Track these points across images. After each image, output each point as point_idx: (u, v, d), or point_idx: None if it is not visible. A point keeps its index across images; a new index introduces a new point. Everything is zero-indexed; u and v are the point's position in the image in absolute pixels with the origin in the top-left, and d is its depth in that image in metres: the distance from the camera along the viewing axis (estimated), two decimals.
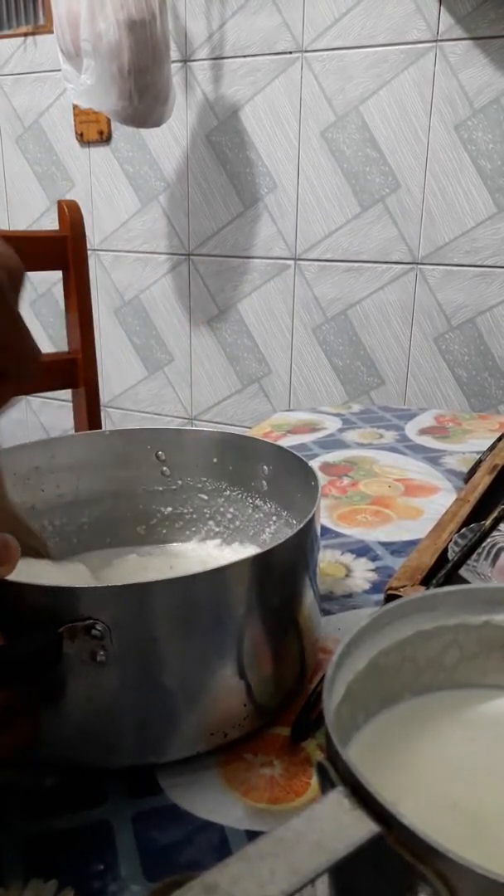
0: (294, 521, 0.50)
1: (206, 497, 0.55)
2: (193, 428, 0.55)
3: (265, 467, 0.52)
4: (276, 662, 0.39)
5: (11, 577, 0.33)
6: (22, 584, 0.33)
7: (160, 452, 0.54)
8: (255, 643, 0.37)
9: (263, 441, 0.53)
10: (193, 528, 0.56)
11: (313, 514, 0.40)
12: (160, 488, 0.55)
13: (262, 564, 0.36)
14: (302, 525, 0.38)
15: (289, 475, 0.49)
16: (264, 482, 0.52)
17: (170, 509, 0.56)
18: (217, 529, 0.56)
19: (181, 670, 0.35)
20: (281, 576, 0.38)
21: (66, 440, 0.54)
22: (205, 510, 0.56)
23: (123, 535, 0.56)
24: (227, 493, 0.54)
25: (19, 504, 0.49)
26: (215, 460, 0.54)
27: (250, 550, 0.53)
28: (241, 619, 0.36)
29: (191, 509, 0.56)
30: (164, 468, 0.55)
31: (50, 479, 0.53)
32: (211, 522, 0.56)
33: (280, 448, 0.50)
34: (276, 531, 0.52)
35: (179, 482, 0.55)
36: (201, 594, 0.35)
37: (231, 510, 0.55)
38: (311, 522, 0.39)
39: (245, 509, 0.54)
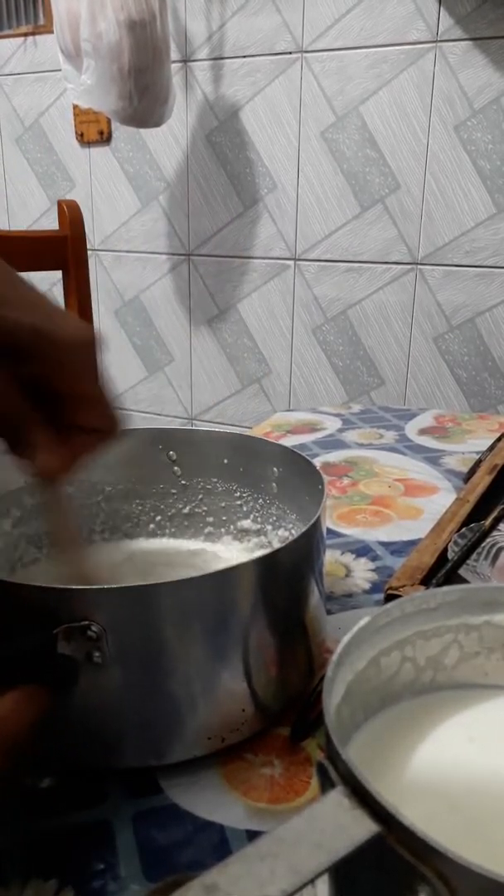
0: (301, 524, 0.50)
1: (216, 498, 0.55)
2: (205, 429, 0.55)
3: (275, 469, 0.52)
4: (280, 665, 0.39)
5: (8, 577, 0.33)
6: (18, 585, 0.33)
7: (171, 452, 0.54)
8: (259, 646, 0.37)
9: (273, 443, 0.53)
10: (202, 527, 0.56)
11: (318, 517, 0.39)
12: (172, 490, 0.55)
13: (266, 567, 0.36)
14: (307, 527, 0.38)
15: (297, 477, 0.49)
16: (274, 484, 0.52)
17: (180, 507, 0.56)
18: (226, 529, 0.56)
19: (182, 673, 0.35)
20: (287, 578, 0.38)
21: None
22: (216, 511, 0.56)
23: (135, 533, 0.56)
24: (238, 493, 0.54)
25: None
26: (226, 461, 0.54)
27: (257, 551, 0.53)
28: (246, 622, 0.36)
29: (201, 510, 0.56)
30: (176, 468, 0.55)
31: None
32: (222, 523, 0.56)
33: (289, 450, 0.50)
34: (283, 533, 0.52)
35: (191, 482, 0.55)
36: (201, 597, 0.34)
37: (242, 511, 0.55)
38: (316, 525, 0.39)
39: (255, 510, 0.54)
